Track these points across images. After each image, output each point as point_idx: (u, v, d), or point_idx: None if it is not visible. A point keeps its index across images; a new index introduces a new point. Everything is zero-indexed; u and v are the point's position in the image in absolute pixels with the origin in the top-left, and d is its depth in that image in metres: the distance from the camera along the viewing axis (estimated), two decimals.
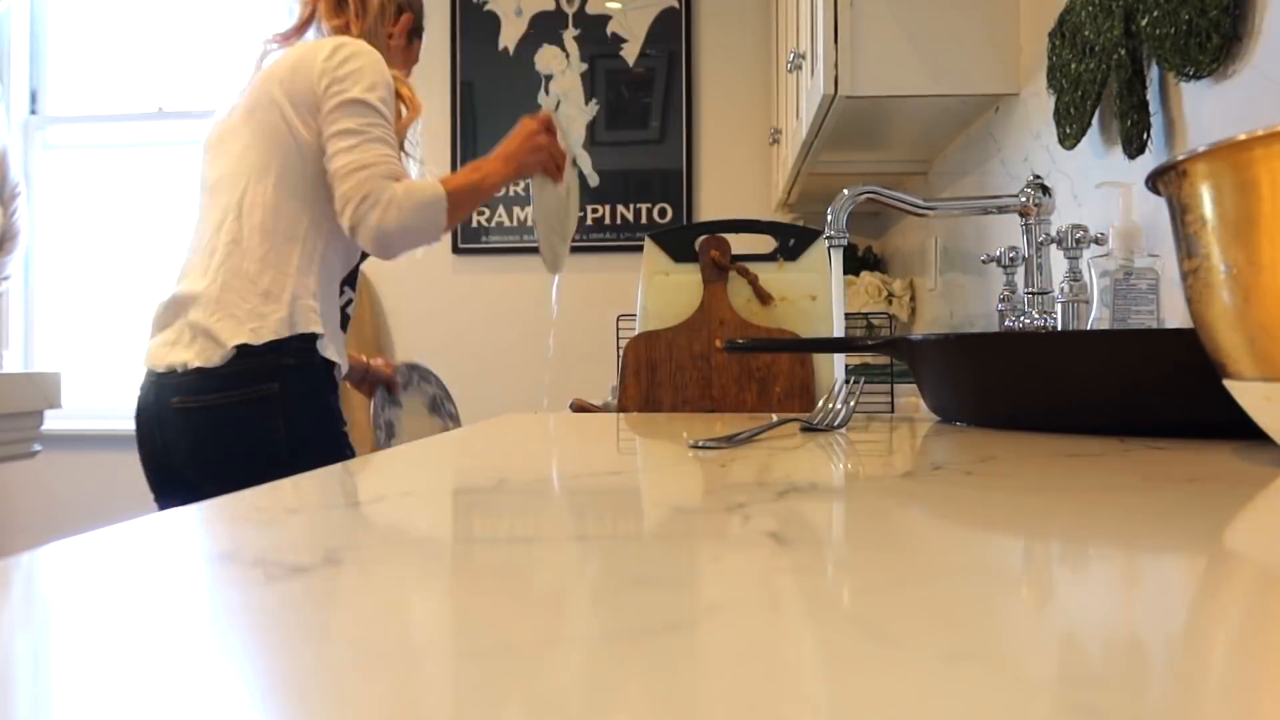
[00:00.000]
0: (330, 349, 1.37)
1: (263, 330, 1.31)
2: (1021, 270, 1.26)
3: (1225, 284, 0.42)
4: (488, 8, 3.16)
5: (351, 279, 1.52)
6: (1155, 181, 0.47)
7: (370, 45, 1.49)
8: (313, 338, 1.34)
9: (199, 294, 1.35)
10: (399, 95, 1.52)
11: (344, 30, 1.55)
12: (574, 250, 3.16)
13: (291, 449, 1.30)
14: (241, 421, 1.30)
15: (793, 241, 1.39)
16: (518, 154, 1.50)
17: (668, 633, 0.19)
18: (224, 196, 1.42)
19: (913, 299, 2.68)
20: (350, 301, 1.52)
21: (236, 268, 1.35)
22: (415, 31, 1.70)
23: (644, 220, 3.15)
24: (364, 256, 1.53)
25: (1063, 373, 0.63)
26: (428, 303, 3.18)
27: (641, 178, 3.15)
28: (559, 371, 2.96)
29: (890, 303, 2.66)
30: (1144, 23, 1.10)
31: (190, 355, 1.32)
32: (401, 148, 1.53)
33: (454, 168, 3.16)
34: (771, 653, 0.18)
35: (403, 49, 1.67)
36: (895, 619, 0.19)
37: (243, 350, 1.30)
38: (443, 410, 1.80)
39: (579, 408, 1.53)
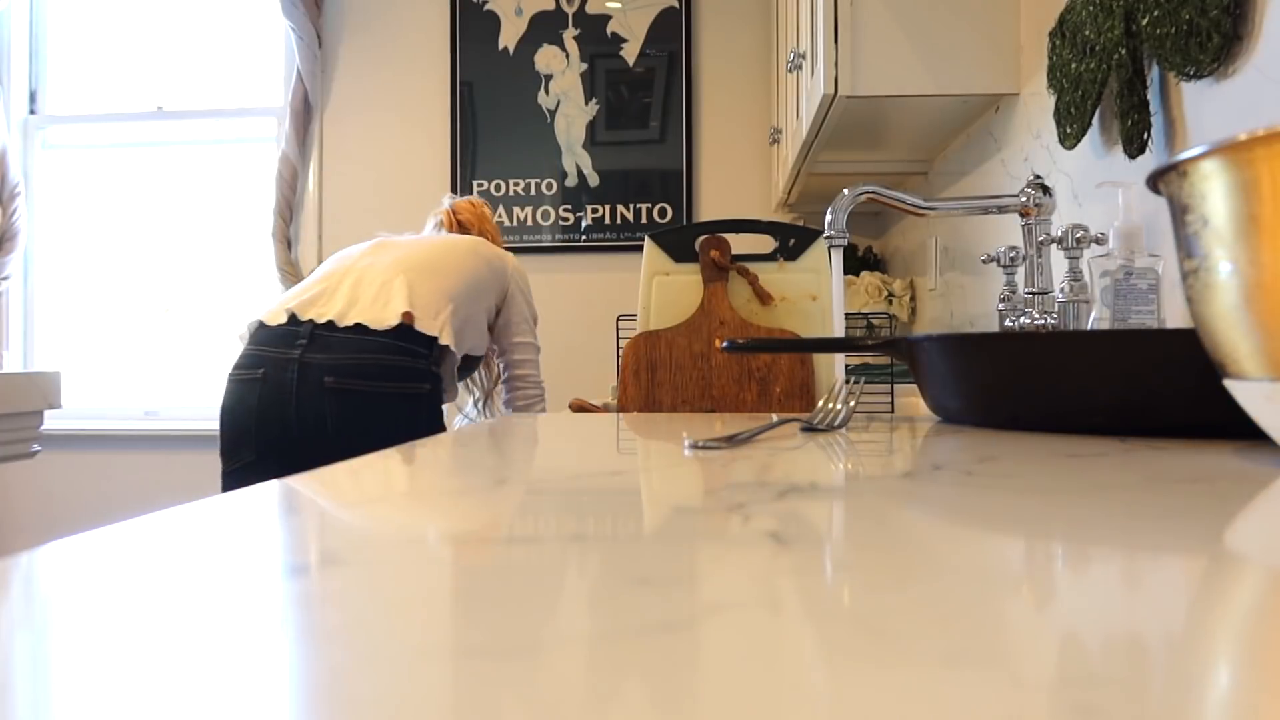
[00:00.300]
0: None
1: (433, 327, 1.75)
2: (1021, 270, 1.26)
3: (1226, 284, 0.42)
4: (488, 8, 3.16)
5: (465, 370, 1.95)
6: (1155, 181, 0.47)
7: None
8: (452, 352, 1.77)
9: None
10: None
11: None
12: (574, 250, 3.17)
13: None
14: (399, 410, 1.64)
15: (793, 241, 1.39)
16: None
17: (668, 633, 0.19)
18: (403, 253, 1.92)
19: (913, 299, 2.68)
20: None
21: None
22: None
23: (644, 220, 3.15)
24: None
25: (1063, 373, 0.63)
26: None
27: (641, 178, 3.15)
28: (559, 372, 2.96)
29: (890, 303, 2.66)
30: (1144, 22, 1.10)
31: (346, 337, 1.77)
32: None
33: (453, 168, 3.17)
34: (771, 653, 0.18)
35: None
36: (895, 619, 0.19)
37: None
38: None
39: (578, 408, 1.53)
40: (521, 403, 1.94)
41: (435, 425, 1.64)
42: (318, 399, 1.56)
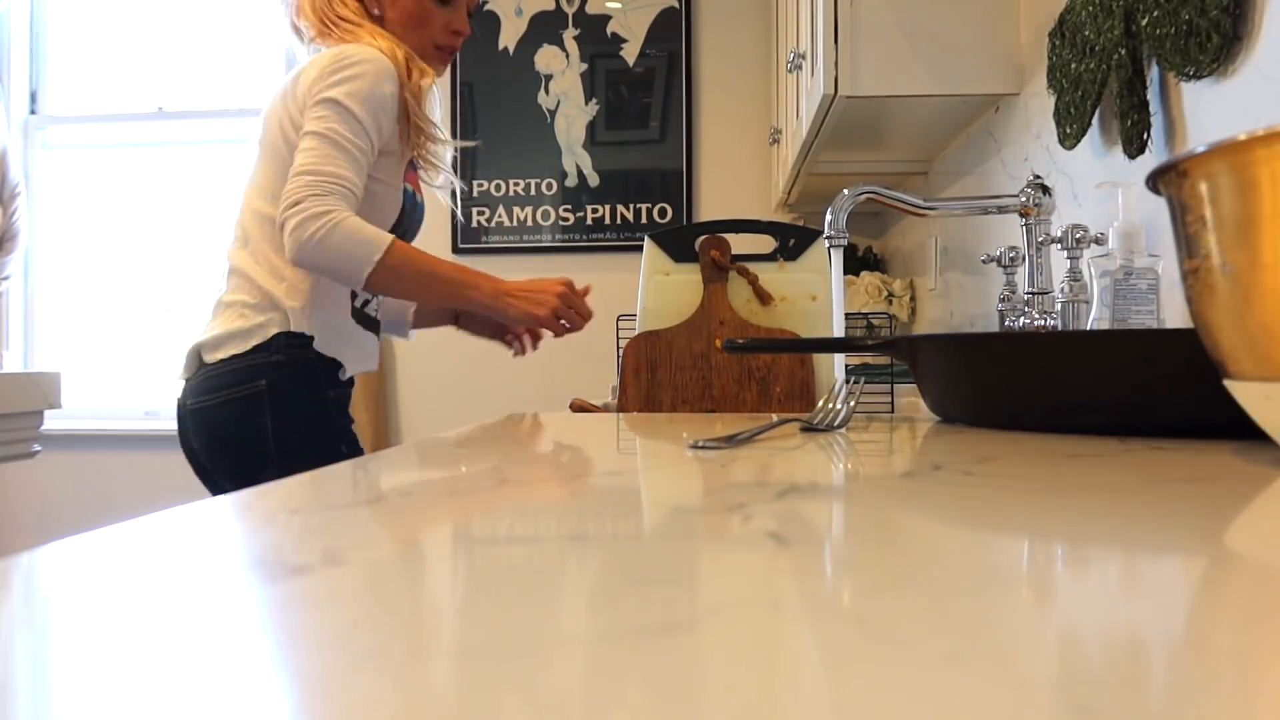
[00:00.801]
0: (329, 346, 1.37)
1: (251, 335, 1.35)
2: (1021, 270, 1.26)
3: (1225, 284, 0.42)
4: (488, 7, 3.16)
5: None
6: (1155, 181, 0.47)
7: (384, 40, 1.39)
8: (305, 336, 1.36)
9: (215, 301, 1.44)
10: (407, 109, 1.40)
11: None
12: (574, 250, 3.17)
13: (280, 446, 1.33)
14: (231, 419, 1.35)
15: (793, 241, 1.39)
16: (517, 295, 1.36)
17: (668, 633, 0.19)
18: (239, 200, 1.46)
19: (913, 299, 2.68)
20: (367, 301, 1.47)
21: (238, 273, 1.42)
22: None
23: (644, 220, 3.15)
24: None
25: (1063, 373, 0.63)
26: None
27: (641, 178, 3.15)
28: (559, 371, 2.96)
29: (890, 303, 2.66)
30: (1144, 23, 1.10)
31: (192, 362, 1.41)
32: (413, 164, 1.47)
33: (454, 167, 3.16)
34: (771, 653, 0.18)
35: (414, 15, 1.46)
36: (895, 619, 0.19)
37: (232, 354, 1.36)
38: None
39: (579, 408, 1.53)
40: (281, 212, 1.28)
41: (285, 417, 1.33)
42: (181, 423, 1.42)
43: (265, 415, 1.33)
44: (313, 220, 1.26)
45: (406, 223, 1.47)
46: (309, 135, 1.31)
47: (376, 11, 1.46)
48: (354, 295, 1.43)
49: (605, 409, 1.55)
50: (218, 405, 1.35)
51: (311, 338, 1.37)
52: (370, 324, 1.48)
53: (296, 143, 1.34)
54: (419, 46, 1.46)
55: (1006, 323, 1.31)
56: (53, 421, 2.08)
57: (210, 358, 1.36)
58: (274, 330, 1.35)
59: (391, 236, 1.31)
